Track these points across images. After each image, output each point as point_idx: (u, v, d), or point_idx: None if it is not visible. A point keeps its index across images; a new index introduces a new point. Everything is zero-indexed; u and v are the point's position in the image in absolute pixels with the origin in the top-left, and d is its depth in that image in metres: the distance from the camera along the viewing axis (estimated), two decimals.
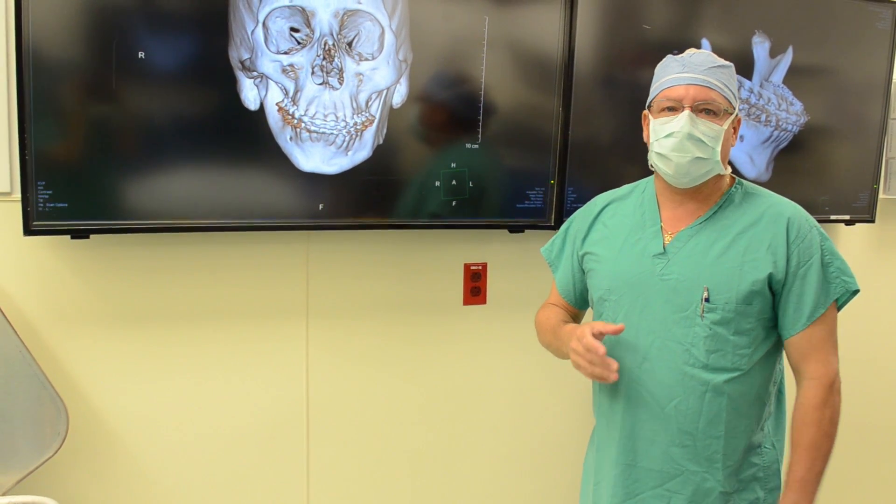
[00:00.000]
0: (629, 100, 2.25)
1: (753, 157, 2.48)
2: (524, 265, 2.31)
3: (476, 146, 2.09)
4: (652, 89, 1.62)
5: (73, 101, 1.73)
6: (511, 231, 2.21)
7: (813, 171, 2.59)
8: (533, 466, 2.40)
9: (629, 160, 2.28)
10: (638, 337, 1.60)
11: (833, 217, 2.65)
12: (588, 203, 1.80)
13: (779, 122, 2.50)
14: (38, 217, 1.73)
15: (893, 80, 2.66)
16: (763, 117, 2.47)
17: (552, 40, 2.14)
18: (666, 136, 1.54)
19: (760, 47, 2.43)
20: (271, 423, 2.10)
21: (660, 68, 1.62)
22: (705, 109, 1.53)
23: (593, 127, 2.22)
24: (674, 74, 1.56)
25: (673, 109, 1.55)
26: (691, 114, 1.52)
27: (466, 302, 2.28)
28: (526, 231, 2.21)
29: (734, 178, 1.66)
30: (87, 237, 1.81)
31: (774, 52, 2.45)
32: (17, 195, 1.78)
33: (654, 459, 1.61)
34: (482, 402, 2.33)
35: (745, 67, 2.41)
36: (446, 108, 2.06)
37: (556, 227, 2.20)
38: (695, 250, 1.58)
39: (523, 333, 2.33)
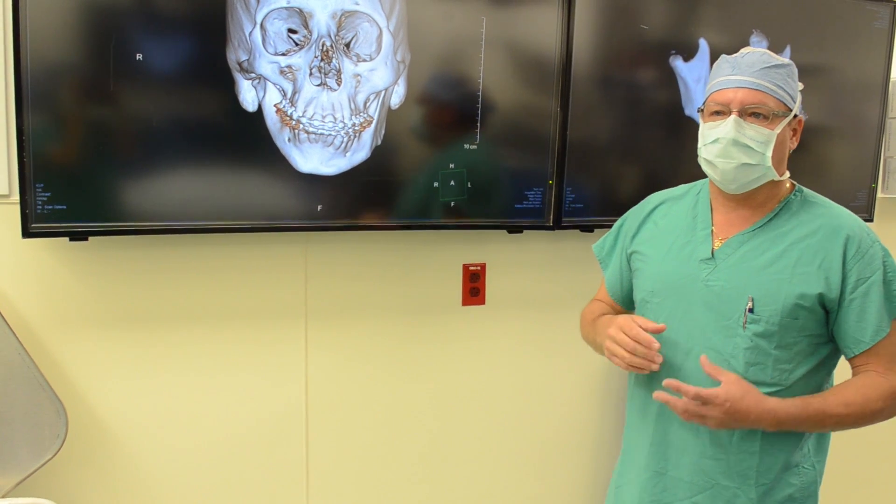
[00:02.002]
0: (627, 100, 2.25)
1: None
2: (523, 265, 2.31)
3: (474, 147, 2.09)
4: (705, 91, 1.57)
5: (71, 103, 1.73)
6: (510, 231, 2.21)
7: (811, 170, 2.59)
8: (532, 467, 2.40)
9: (628, 160, 2.28)
10: (677, 343, 1.54)
11: None
12: (642, 201, 1.76)
13: None
14: (36, 219, 1.73)
15: (891, 79, 2.66)
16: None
17: (550, 41, 2.14)
18: (712, 141, 1.49)
19: (758, 46, 2.43)
20: (270, 424, 2.10)
21: (714, 69, 1.56)
22: (754, 113, 1.47)
23: (591, 127, 2.22)
24: (723, 77, 1.50)
25: (721, 114, 1.49)
26: (738, 118, 1.46)
27: (465, 302, 2.28)
28: (524, 231, 2.21)
29: (794, 185, 1.59)
30: (86, 239, 1.81)
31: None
32: (16, 197, 1.78)
33: (684, 469, 1.56)
34: (481, 403, 2.33)
35: None
36: (444, 109, 2.06)
37: (555, 227, 2.21)
38: (744, 258, 1.52)
39: (522, 334, 2.33)
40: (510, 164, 2.15)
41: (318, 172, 1.95)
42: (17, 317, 1.83)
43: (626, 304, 1.78)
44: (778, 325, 1.47)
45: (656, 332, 1.47)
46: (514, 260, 2.30)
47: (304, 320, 2.10)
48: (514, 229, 2.20)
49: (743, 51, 1.53)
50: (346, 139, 1.96)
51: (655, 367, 1.46)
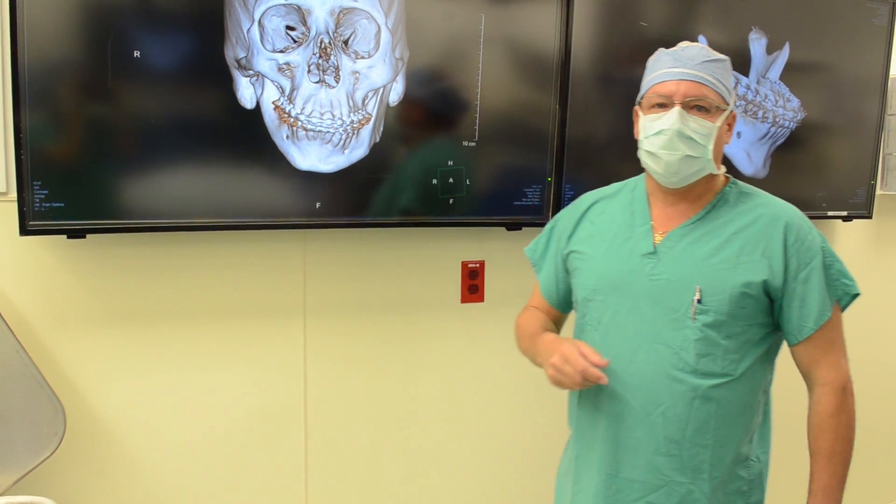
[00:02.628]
0: (626, 97, 2.24)
1: (750, 154, 2.48)
2: (522, 263, 2.29)
3: (473, 144, 2.09)
4: (643, 84, 1.56)
5: (68, 100, 1.73)
6: (508, 228, 2.21)
7: (810, 167, 2.59)
8: (532, 464, 2.40)
9: (626, 157, 2.27)
10: (624, 340, 1.54)
11: (830, 213, 2.65)
12: (574, 201, 1.74)
13: (776, 119, 2.50)
14: (34, 217, 1.73)
15: (890, 76, 2.66)
16: (760, 114, 2.47)
17: (549, 38, 2.14)
18: (655, 133, 1.48)
19: (757, 44, 2.43)
20: (269, 422, 2.10)
21: (651, 62, 1.55)
22: (697, 106, 1.47)
23: (590, 124, 2.22)
24: (664, 69, 1.50)
25: (663, 106, 1.49)
26: (682, 110, 1.46)
27: (464, 300, 2.28)
28: (523, 228, 2.21)
29: (728, 178, 1.60)
30: (84, 237, 1.81)
31: (771, 49, 2.45)
32: (13, 195, 1.78)
33: (637, 469, 1.54)
34: (480, 400, 2.33)
35: (741, 64, 2.41)
36: (443, 106, 2.06)
37: None
38: (687, 250, 1.52)
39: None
40: (509, 161, 2.15)
41: (317, 170, 1.95)
42: (14, 315, 1.83)
43: (563, 306, 1.76)
44: (726, 315, 1.48)
45: (600, 366, 1.44)
46: (513, 257, 2.30)
47: (302, 318, 2.10)
48: (513, 226, 2.20)
49: (682, 44, 1.53)
50: (344, 136, 1.96)
51: (603, 382, 1.45)
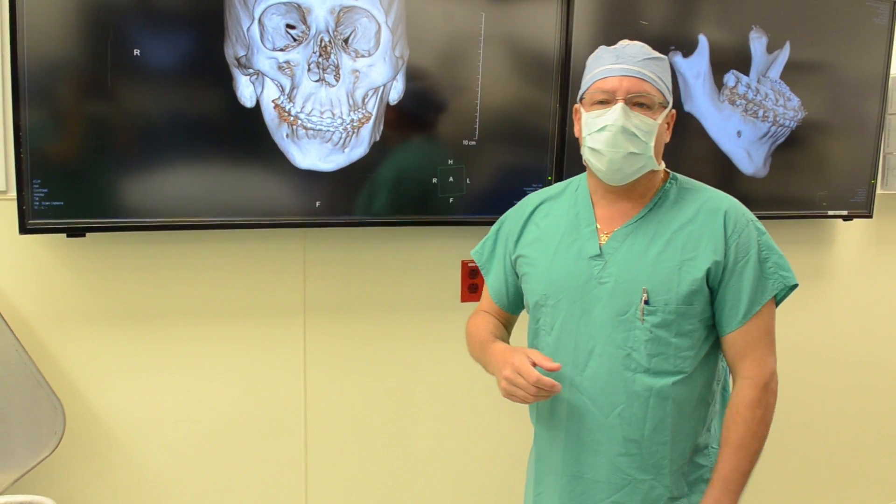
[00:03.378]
0: None
1: (751, 153, 2.48)
2: None
3: (473, 143, 2.09)
4: (584, 81, 1.54)
5: (68, 98, 1.73)
6: None
7: (810, 166, 2.59)
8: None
9: None
10: (578, 343, 1.53)
11: (831, 213, 2.65)
12: (519, 203, 1.73)
13: (776, 118, 2.49)
14: (33, 215, 1.72)
15: (890, 75, 2.66)
16: (760, 113, 2.47)
17: (549, 36, 2.14)
18: (599, 129, 1.47)
19: (758, 43, 2.43)
20: (269, 420, 2.09)
21: (592, 59, 1.54)
22: (639, 103, 1.47)
23: None
24: (607, 66, 1.49)
25: (605, 102, 1.48)
26: (625, 106, 1.46)
27: (464, 299, 2.28)
28: None
29: (668, 173, 1.60)
30: (83, 235, 1.80)
31: (772, 48, 2.45)
32: (13, 193, 1.78)
33: (600, 470, 1.55)
34: (480, 399, 2.33)
35: (742, 63, 2.41)
36: (443, 105, 2.06)
37: None
38: (631, 250, 1.52)
39: (520, 330, 2.33)
40: (509, 160, 2.15)
41: (317, 168, 1.94)
42: (14, 313, 1.83)
43: (513, 308, 1.74)
44: (675, 314, 1.48)
45: (553, 370, 1.44)
46: None
47: (302, 316, 2.10)
48: None
49: (623, 42, 1.53)
50: (344, 135, 1.96)
51: (558, 387, 1.44)
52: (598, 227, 1.57)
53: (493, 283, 1.74)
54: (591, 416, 1.54)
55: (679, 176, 1.61)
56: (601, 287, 1.52)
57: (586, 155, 1.53)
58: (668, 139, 1.57)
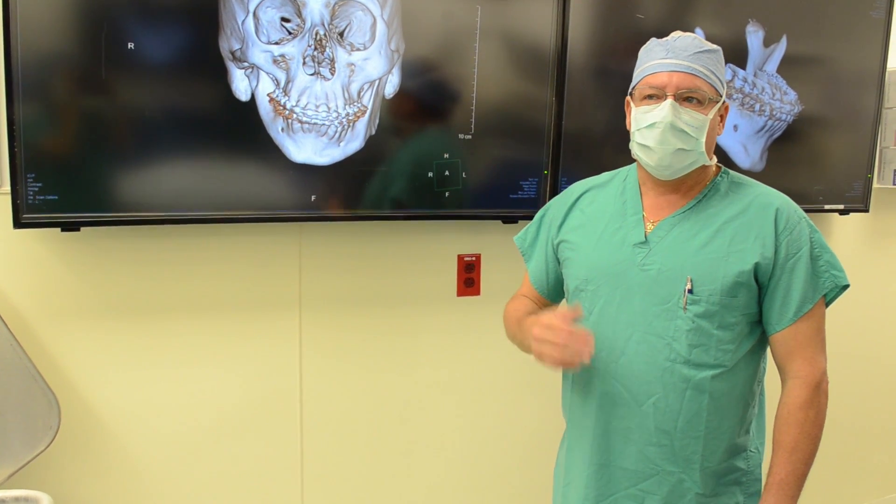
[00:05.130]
0: (623, 90, 2.21)
1: (747, 147, 2.48)
2: (518, 256, 2.29)
3: (469, 137, 2.09)
4: (635, 75, 1.53)
5: (62, 92, 1.72)
6: (504, 222, 2.21)
7: (807, 160, 2.59)
8: (528, 456, 2.41)
9: (623, 150, 2.26)
10: (616, 330, 1.52)
11: (827, 207, 2.65)
12: (565, 190, 1.73)
13: (773, 112, 2.49)
14: (27, 210, 1.72)
15: (887, 70, 2.66)
16: (757, 107, 2.46)
17: (545, 30, 2.13)
18: (648, 126, 1.47)
19: (754, 36, 2.42)
20: (264, 415, 2.09)
21: (643, 53, 1.53)
22: (689, 98, 1.45)
23: (587, 117, 2.22)
24: (657, 60, 1.47)
25: (655, 97, 1.47)
26: (674, 103, 1.44)
27: (460, 293, 2.28)
28: (520, 222, 2.21)
29: (720, 167, 1.59)
30: (78, 230, 1.80)
31: (768, 42, 2.44)
32: (7, 188, 1.77)
33: (628, 459, 1.54)
34: (476, 393, 2.33)
35: (739, 57, 2.41)
36: (439, 99, 2.05)
37: None
38: (678, 240, 1.51)
39: None
40: (505, 154, 2.14)
41: (312, 162, 1.94)
42: (8, 308, 1.82)
43: (553, 296, 1.74)
44: (718, 305, 1.47)
45: (576, 319, 1.43)
46: (509, 250, 2.28)
47: (297, 310, 2.10)
48: (509, 219, 2.20)
49: (674, 34, 1.51)
50: (339, 129, 1.95)
51: (586, 357, 1.42)
52: (645, 216, 1.56)
53: (534, 269, 1.75)
54: (624, 403, 1.53)
55: (731, 171, 1.59)
56: (643, 274, 1.51)
57: (635, 150, 1.52)
58: (721, 132, 1.55)
